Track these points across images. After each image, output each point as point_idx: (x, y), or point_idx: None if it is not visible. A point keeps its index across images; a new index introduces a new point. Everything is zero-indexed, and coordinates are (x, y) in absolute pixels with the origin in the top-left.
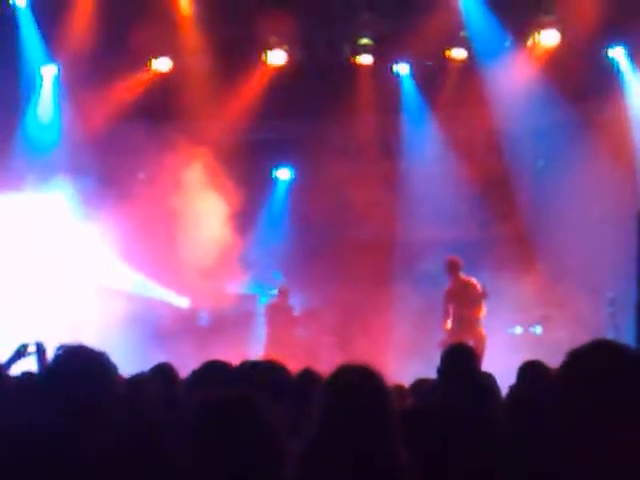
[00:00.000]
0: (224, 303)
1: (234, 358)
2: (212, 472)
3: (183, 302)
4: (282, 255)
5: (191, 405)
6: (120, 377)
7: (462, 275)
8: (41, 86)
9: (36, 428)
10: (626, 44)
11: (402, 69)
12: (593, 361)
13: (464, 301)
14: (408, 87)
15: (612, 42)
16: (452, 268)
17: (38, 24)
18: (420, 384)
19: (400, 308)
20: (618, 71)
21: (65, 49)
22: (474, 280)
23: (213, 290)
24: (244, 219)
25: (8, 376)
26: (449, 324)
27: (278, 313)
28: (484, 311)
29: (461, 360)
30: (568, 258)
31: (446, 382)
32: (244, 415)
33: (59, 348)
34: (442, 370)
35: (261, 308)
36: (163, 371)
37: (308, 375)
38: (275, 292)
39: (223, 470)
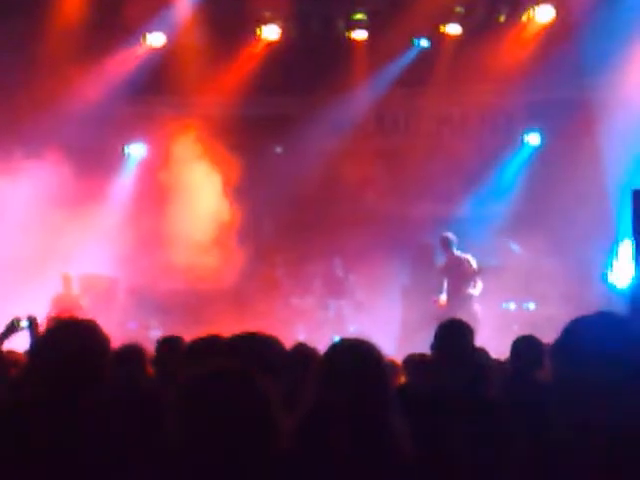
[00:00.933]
0: (218, 278)
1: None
2: (207, 447)
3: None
4: (274, 230)
5: (183, 379)
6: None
7: (456, 251)
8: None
9: (26, 404)
10: None
11: (398, 45)
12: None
13: (458, 277)
14: (403, 64)
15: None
16: (446, 244)
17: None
18: (412, 360)
19: (394, 284)
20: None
21: (58, 23)
22: (469, 256)
23: (207, 265)
24: (238, 193)
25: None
26: (443, 299)
27: (272, 286)
28: (479, 287)
29: (455, 336)
30: (561, 235)
31: (440, 359)
32: (238, 388)
33: (50, 321)
34: (436, 347)
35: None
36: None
37: (302, 349)
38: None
39: (218, 444)
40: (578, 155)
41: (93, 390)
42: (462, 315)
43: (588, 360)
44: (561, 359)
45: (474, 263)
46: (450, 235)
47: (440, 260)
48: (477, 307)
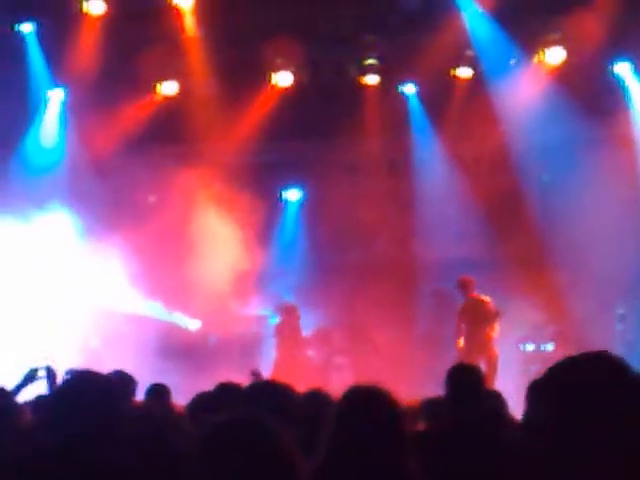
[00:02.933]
0: (235, 325)
1: (244, 380)
2: None
3: (194, 324)
4: (293, 276)
5: (200, 429)
6: (132, 400)
7: (475, 293)
8: (46, 110)
9: (44, 453)
10: (632, 60)
11: (408, 89)
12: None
13: (477, 319)
14: (415, 106)
15: (618, 58)
16: (465, 286)
17: (44, 49)
18: (429, 404)
19: (411, 328)
20: (624, 87)
21: (72, 73)
22: (487, 298)
23: (225, 312)
24: (255, 241)
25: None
26: (462, 342)
27: (288, 334)
28: (497, 330)
29: (464, 380)
30: (577, 275)
31: (452, 403)
32: (257, 439)
33: (68, 372)
34: (447, 391)
35: (271, 329)
36: (158, 392)
37: (316, 396)
38: (282, 312)
39: None
40: (593, 195)
41: (109, 443)
42: (481, 358)
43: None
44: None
45: (493, 305)
46: (468, 277)
47: (459, 303)
48: (496, 350)
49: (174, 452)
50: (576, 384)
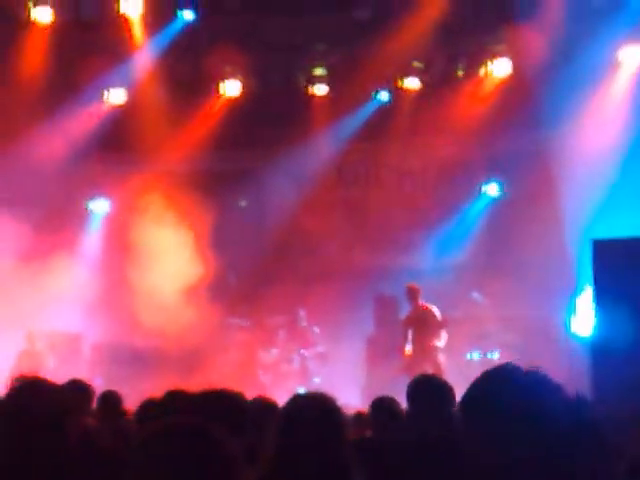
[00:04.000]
0: (187, 334)
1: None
2: None
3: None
4: (239, 283)
5: (141, 435)
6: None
7: (422, 302)
8: None
9: None
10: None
11: (357, 99)
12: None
13: (423, 328)
14: (364, 116)
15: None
16: (412, 295)
17: None
18: (377, 410)
19: (357, 335)
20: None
21: (18, 79)
22: (434, 308)
23: (176, 321)
24: (203, 248)
25: None
26: (408, 350)
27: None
28: (444, 338)
29: (433, 397)
30: (522, 284)
31: (415, 414)
32: (196, 444)
33: (15, 380)
34: (411, 405)
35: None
36: (107, 400)
37: (262, 403)
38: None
39: None
40: (537, 205)
41: (56, 450)
42: (427, 366)
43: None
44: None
45: (439, 314)
46: (415, 285)
47: (405, 310)
48: (442, 358)
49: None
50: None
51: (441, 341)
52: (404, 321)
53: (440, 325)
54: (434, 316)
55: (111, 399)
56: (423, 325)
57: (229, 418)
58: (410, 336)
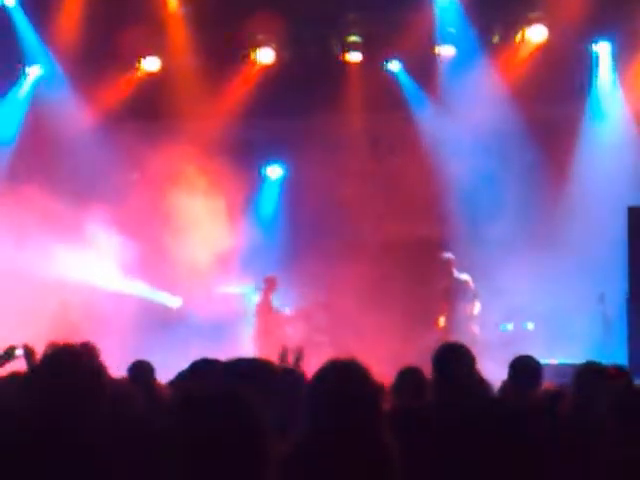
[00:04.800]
0: (216, 303)
1: (225, 357)
2: (197, 470)
3: (175, 302)
4: (274, 254)
5: (174, 402)
6: (109, 376)
7: (456, 273)
8: (22, 85)
9: (15, 423)
10: (611, 39)
11: (393, 65)
12: None
13: (458, 299)
14: (402, 83)
15: (598, 37)
16: (446, 266)
17: (27, 24)
18: (402, 380)
19: (392, 305)
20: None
21: (54, 49)
22: (468, 277)
23: (206, 290)
24: (236, 217)
25: None
26: (442, 322)
27: (267, 311)
28: (478, 308)
29: (455, 361)
30: (559, 255)
31: (438, 383)
32: (227, 412)
33: (48, 347)
34: (435, 371)
35: (252, 307)
36: (141, 368)
37: (290, 374)
38: (261, 286)
39: (208, 468)
40: (570, 172)
41: (90, 417)
42: (462, 337)
43: None
44: None
45: (473, 284)
46: (450, 256)
47: (441, 282)
48: (476, 329)
49: (154, 432)
50: None
51: (475, 311)
52: (439, 292)
53: (475, 296)
54: (469, 286)
55: (142, 368)
56: (458, 295)
57: (260, 386)
58: (445, 307)
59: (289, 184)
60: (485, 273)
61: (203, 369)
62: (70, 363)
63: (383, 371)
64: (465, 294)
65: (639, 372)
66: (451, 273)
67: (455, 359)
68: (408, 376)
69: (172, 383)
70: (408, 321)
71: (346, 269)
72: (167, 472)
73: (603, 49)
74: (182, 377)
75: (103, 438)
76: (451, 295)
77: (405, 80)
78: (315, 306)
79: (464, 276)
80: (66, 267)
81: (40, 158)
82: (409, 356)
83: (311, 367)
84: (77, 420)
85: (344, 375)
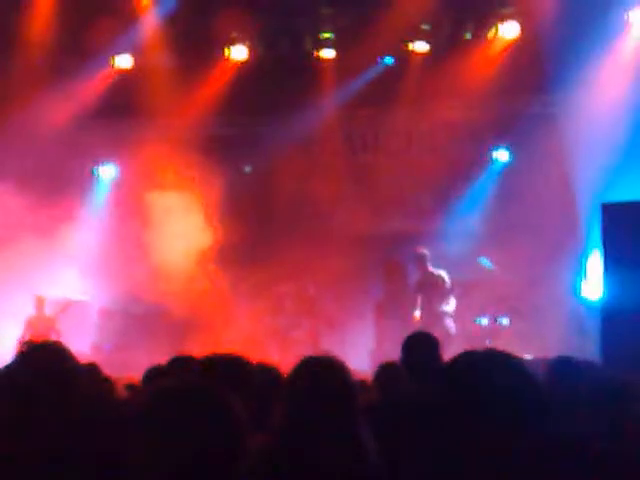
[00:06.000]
0: (196, 299)
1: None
2: (169, 463)
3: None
4: (248, 249)
5: (145, 398)
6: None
7: (430, 267)
8: None
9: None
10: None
11: (365, 62)
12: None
13: (432, 293)
14: (372, 80)
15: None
16: (420, 260)
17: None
18: (383, 372)
19: (366, 301)
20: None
21: (24, 46)
22: (443, 272)
23: (182, 286)
24: (208, 214)
25: None
26: (417, 315)
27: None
28: (452, 304)
29: (421, 350)
30: (532, 249)
31: (410, 373)
32: (198, 404)
33: (22, 345)
34: (404, 361)
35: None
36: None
37: (266, 370)
38: None
39: (181, 460)
40: (547, 170)
41: (63, 412)
42: (436, 331)
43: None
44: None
45: (448, 279)
46: (424, 250)
47: (414, 276)
48: (451, 323)
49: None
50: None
51: (450, 306)
52: (413, 286)
53: (449, 291)
54: (443, 281)
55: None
56: (432, 290)
57: (235, 383)
58: (419, 301)
59: (263, 179)
60: (460, 267)
61: (179, 366)
62: (44, 361)
63: (359, 365)
64: (439, 289)
65: (612, 368)
66: (425, 267)
67: (419, 346)
68: (387, 370)
69: (146, 380)
70: (383, 315)
71: (320, 264)
72: (142, 458)
73: None
74: (157, 374)
75: (74, 431)
76: (425, 289)
77: (377, 76)
78: (290, 301)
79: (440, 272)
80: (40, 265)
81: (9, 155)
82: (384, 349)
83: (288, 361)
84: (51, 417)
85: (320, 371)
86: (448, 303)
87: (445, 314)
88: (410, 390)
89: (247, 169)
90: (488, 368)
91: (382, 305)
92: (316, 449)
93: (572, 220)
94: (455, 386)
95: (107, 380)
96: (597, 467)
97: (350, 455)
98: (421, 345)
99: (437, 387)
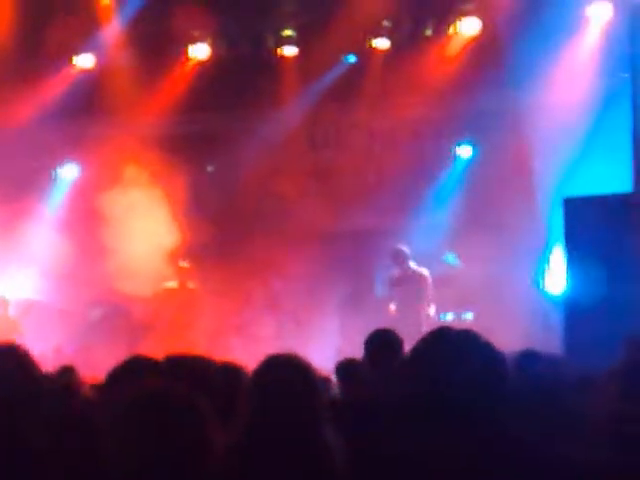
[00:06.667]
0: (159, 298)
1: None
2: (141, 467)
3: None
4: (209, 249)
5: (118, 399)
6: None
7: (410, 263)
8: None
9: None
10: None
11: (326, 59)
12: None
13: (413, 292)
14: (332, 78)
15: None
16: (400, 257)
17: None
18: (344, 368)
19: (331, 297)
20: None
21: None
22: (424, 270)
23: (147, 286)
24: (176, 213)
25: None
26: (392, 308)
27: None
28: (433, 310)
29: (382, 346)
30: (495, 245)
31: (372, 369)
32: (171, 408)
33: None
34: (366, 356)
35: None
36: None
37: (229, 367)
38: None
39: (152, 464)
40: (509, 165)
41: (27, 414)
42: (409, 327)
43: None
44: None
45: (428, 276)
46: (404, 248)
47: (392, 272)
48: (425, 320)
49: (91, 428)
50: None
51: (430, 309)
52: (391, 281)
53: (429, 287)
54: (427, 284)
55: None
56: (410, 286)
57: (193, 382)
58: (395, 296)
59: (226, 177)
60: (424, 264)
61: (138, 367)
62: (10, 364)
63: (325, 361)
64: (419, 285)
65: (575, 361)
66: (405, 264)
67: (381, 343)
68: (348, 367)
69: (109, 381)
70: (348, 312)
71: (284, 261)
72: (114, 463)
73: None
74: (116, 376)
75: (40, 437)
76: (403, 285)
77: (340, 73)
78: (256, 296)
79: (421, 269)
80: (2, 267)
81: None
82: (350, 346)
83: (254, 358)
84: (17, 422)
85: (284, 370)
86: (427, 300)
87: (421, 310)
88: (371, 386)
89: (209, 168)
90: (458, 341)
91: (346, 303)
92: (280, 447)
93: (534, 215)
94: (420, 362)
95: (77, 383)
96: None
97: (314, 452)
98: (383, 342)
99: (400, 371)
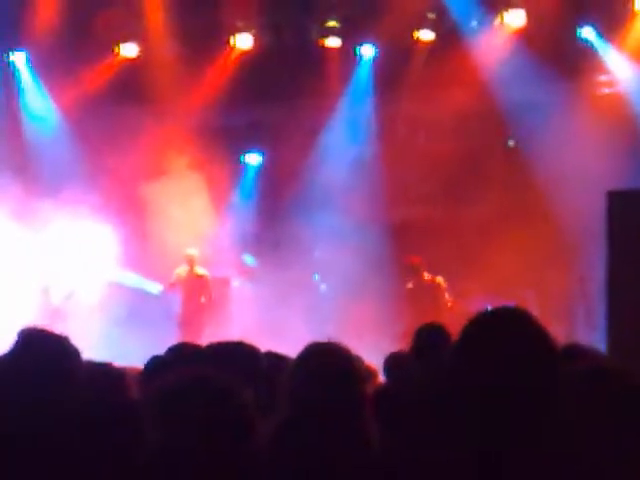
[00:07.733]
0: (198, 287)
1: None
2: (183, 451)
3: (156, 288)
4: (253, 239)
5: (159, 386)
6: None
7: (427, 275)
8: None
9: None
10: (593, 24)
11: (366, 51)
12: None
13: (430, 303)
14: (370, 69)
15: (580, 22)
16: (415, 269)
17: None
18: (393, 360)
19: (371, 290)
20: (594, 50)
21: (32, 36)
22: (440, 280)
23: (188, 274)
24: (215, 203)
25: None
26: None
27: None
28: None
29: (434, 339)
30: (540, 238)
31: (421, 362)
32: (213, 395)
33: (19, 333)
34: (416, 349)
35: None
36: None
37: (273, 357)
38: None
39: (194, 450)
40: (554, 158)
41: (63, 401)
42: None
43: None
44: None
45: (445, 286)
46: (417, 258)
47: (407, 285)
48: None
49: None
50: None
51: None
52: (407, 294)
53: (445, 296)
54: (442, 292)
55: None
56: (428, 300)
57: (241, 369)
58: (408, 308)
59: (268, 170)
60: (464, 256)
61: (183, 354)
62: (43, 352)
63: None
64: (436, 297)
65: (617, 358)
66: (419, 275)
67: (430, 335)
68: (396, 358)
69: (148, 370)
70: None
71: (328, 253)
72: (157, 449)
73: (589, 33)
74: (161, 363)
75: (71, 424)
76: (418, 295)
77: (378, 65)
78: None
79: (436, 278)
80: (47, 255)
81: (16, 144)
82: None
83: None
84: (50, 415)
85: (327, 356)
86: (444, 308)
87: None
88: (418, 377)
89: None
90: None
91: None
92: (321, 435)
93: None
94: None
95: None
96: None
97: (354, 442)
98: (432, 334)
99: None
